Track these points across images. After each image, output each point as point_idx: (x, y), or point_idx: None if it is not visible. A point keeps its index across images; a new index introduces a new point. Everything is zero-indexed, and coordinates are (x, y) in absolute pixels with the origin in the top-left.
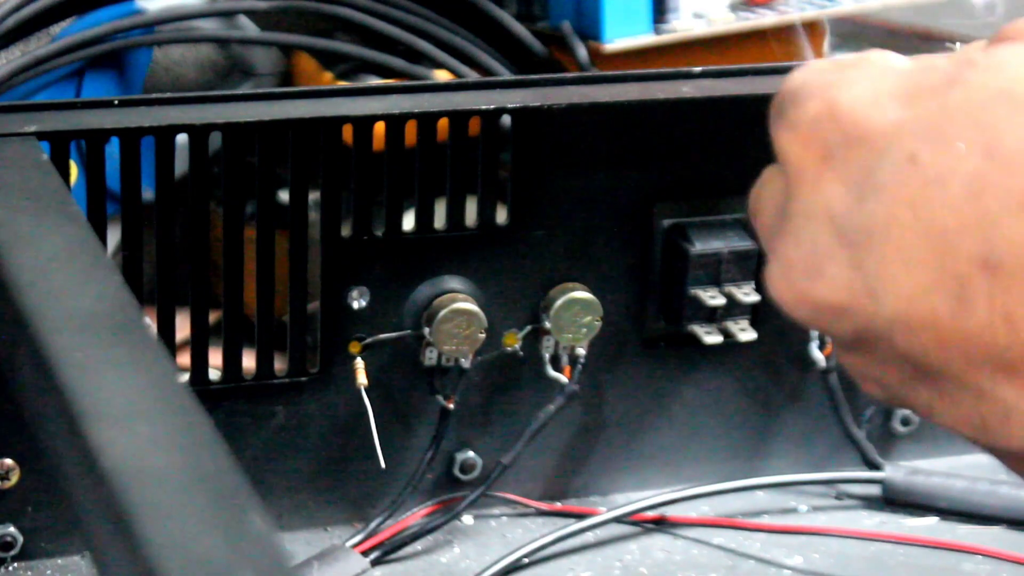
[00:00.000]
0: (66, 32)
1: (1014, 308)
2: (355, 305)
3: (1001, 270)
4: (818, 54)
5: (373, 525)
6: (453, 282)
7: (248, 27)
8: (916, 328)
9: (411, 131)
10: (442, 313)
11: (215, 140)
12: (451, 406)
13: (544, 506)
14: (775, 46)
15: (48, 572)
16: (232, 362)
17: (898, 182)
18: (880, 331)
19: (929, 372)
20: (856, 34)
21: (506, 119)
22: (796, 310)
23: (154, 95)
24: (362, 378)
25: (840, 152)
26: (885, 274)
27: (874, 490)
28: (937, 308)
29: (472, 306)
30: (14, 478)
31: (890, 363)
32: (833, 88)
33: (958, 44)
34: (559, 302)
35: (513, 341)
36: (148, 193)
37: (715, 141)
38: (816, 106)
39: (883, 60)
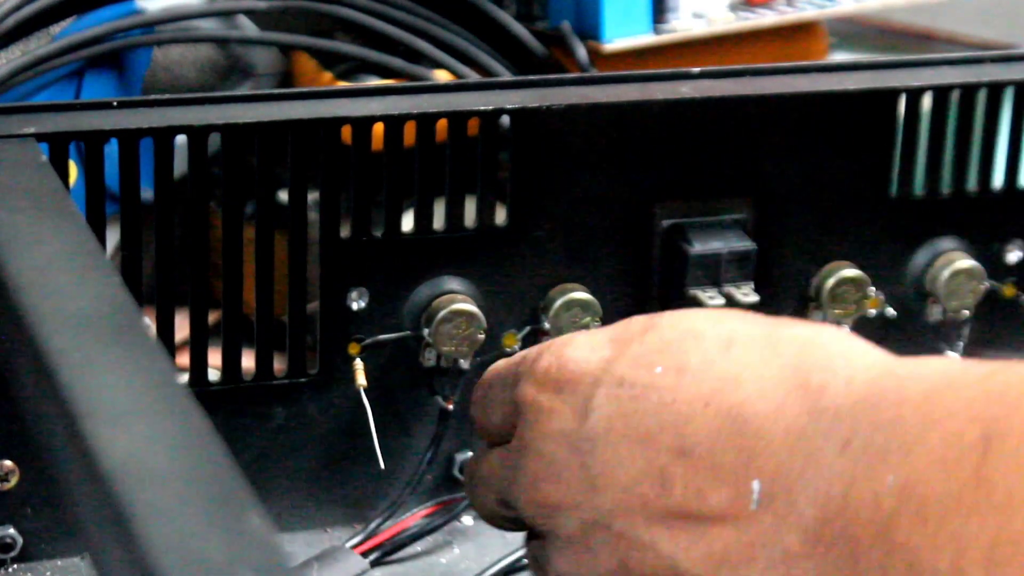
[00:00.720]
0: (66, 32)
1: (701, 484)
2: (355, 306)
3: (692, 455)
4: (818, 54)
5: (373, 526)
6: (452, 283)
7: (248, 27)
8: (629, 510)
9: (410, 131)
10: (441, 314)
11: (214, 141)
12: (451, 407)
13: None
14: (775, 46)
15: (48, 573)
16: (231, 363)
17: (611, 400)
18: (599, 518)
19: (635, 558)
20: (856, 34)
21: (505, 119)
22: (532, 512)
23: (153, 96)
24: (361, 379)
25: (568, 387)
26: (605, 472)
27: None
28: (646, 493)
29: (471, 307)
30: (14, 480)
31: (601, 555)
32: (559, 346)
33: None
34: (558, 303)
35: (512, 342)
36: (148, 194)
37: (715, 141)
38: (548, 359)
39: (592, 331)
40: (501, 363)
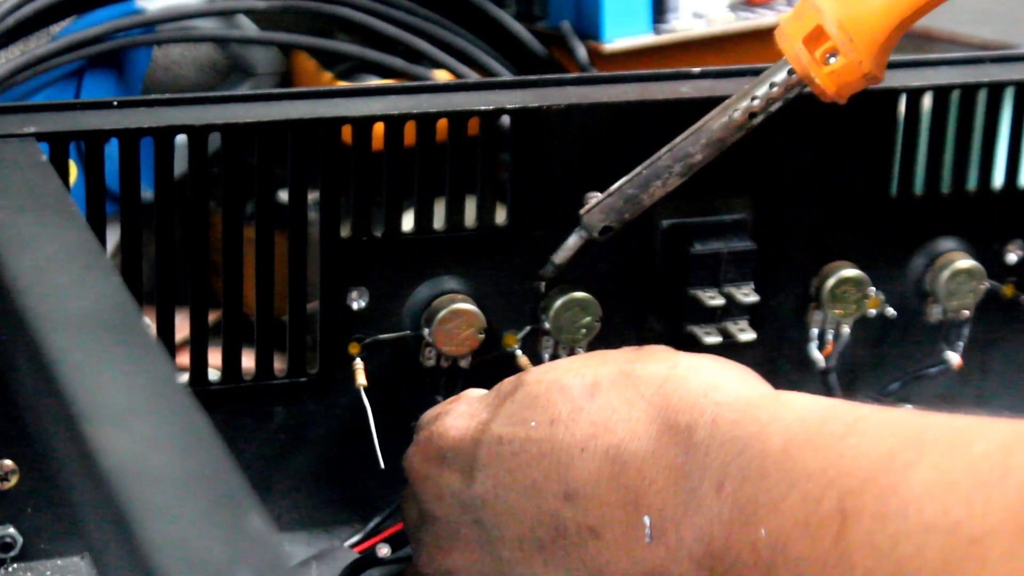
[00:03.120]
0: (66, 31)
1: (593, 522)
2: (355, 305)
3: (578, 496)
4: None
5: (372, 525)
6: (452, 282)
7: (248, 27)
8: (530, 560)
9: (410, 131)
10: (441, 313)
11: (214, 140)
12: None
13: None
14: (775, 46)
15: (48, 573)
16: (232, 362)
17: (493, 458)
18: (503, 571)
19: None
20: None
21: (505, 119)
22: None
23: (153, 96)
24: (362, 378)
25: (450, 454)
26: (500, 524)
27: None
28: (542, 539)
29: (471, 306)
30: (14, 479)
31: None
32: (437, 418)
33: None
34: (558, 303)
35: (512, 342)
36: (148, 193)
37: None
38: (427, 432)
39: (471, 394)
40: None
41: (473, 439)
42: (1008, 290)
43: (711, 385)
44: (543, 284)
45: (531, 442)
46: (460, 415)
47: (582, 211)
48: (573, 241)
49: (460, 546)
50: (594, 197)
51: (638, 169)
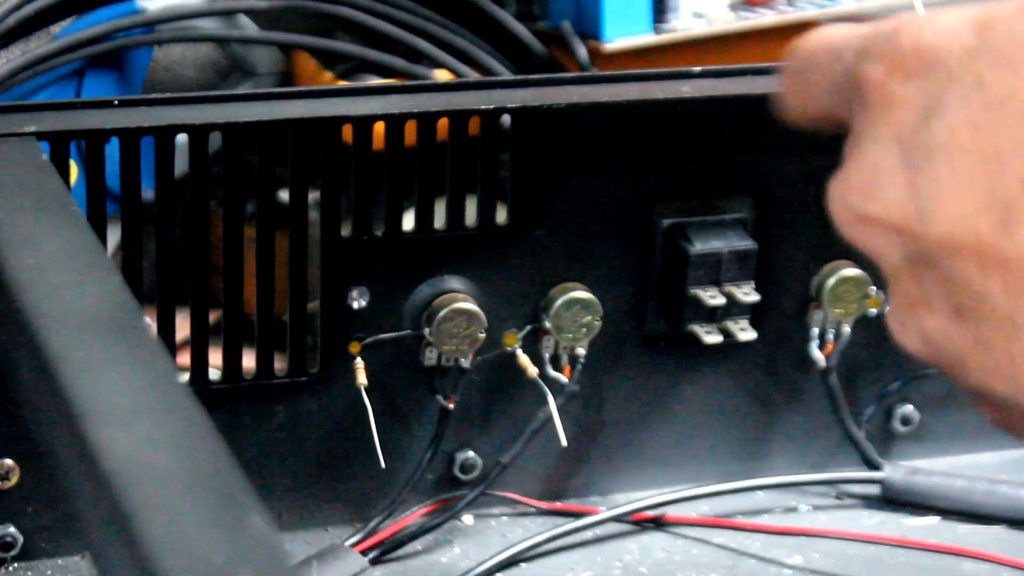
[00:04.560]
0: (66, 31)
1: None
2: (355, 305)
3: None
4: None
5: (372, 524)
6: (453, 282)
7: (248, 27)
8: (960, 249)
9: (411, 131)
10: (442, 313)
11: (215, 140)
12: (451, 406)
13: (544, 505)
14: (775, 46)
15: (48, 572)
16: (232, 362)
17: (963, 104)
18: (927, 254)
19: (968, 307)
20: None
21: (506, 119)
22: (848, 227)
23: (154, 95)
24: (362, 378)
25: (917, 79)
26: (937, 195)
27: (874, 490)
28: (982, 230)
29: (472, 306)
30: (14, 478)
31: (933, 299)
32: (920, 22)
33: None
34: (559, 302)
35: (513, 341)
36: (148, 193)
37: (715, 141)
38: (904, 39)
39: (957, 8)
40: (834, 31)
41: (950, 69)
42: None
43: None
44: None
45: (1015, 98)
46: (944, 27)
47: None
48: None
49: (882, 206)
50: None
51: None
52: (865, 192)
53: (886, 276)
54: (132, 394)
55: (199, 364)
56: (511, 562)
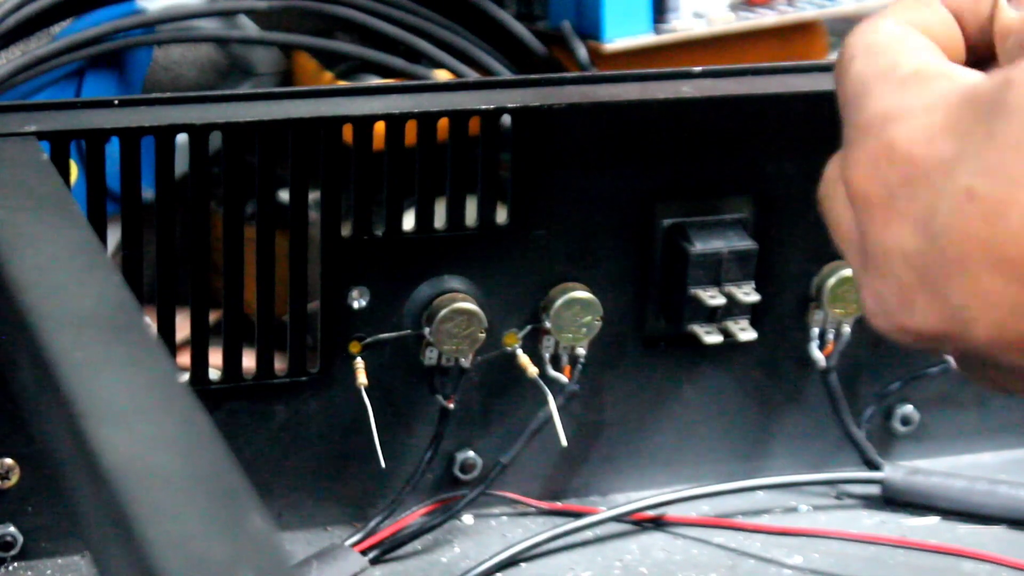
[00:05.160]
0: (66, 32)
1: None
2: (355, 305)
3: None
4: (818, 54)
5: (372, 524)
6: (453, 282)
7: (248, 27)
8: (1012, 348)
9: (411, 131)
10: (442, 313)
11: (215, 140)
12: (451, 406)
13: (544, 505)
14: (775, 46)
15: (48, 572)
16: (232, 362)
17: (961, 218)
18: (981, 353)
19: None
20: None
21: (506, 119)
22: (898, 339)
23: (154, 95)
24: (362, 378)
25: (901, 191)
26: (970, 305)
27: (874, 490)
28: (1022, 329)
29: (472, 306)
30: (14, 478)
31: (1004, 372)
32: (890, 125)
33: None
34: (559, 302)
35: (513, 340)
36: (148, 193)
37: (715, 141)
38: (874, 146)
39: (937, 79)
40: (852, 67)
41: (934, 181)
42: None
43: None
44: None
45: (1013, 206)
46: (917, 133)
47: None
48: None
49: (919, 321)
50: None
51: None
52: (900, 307)
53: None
54: (132, 394)
55: (199, 364)
56: (511, 562)
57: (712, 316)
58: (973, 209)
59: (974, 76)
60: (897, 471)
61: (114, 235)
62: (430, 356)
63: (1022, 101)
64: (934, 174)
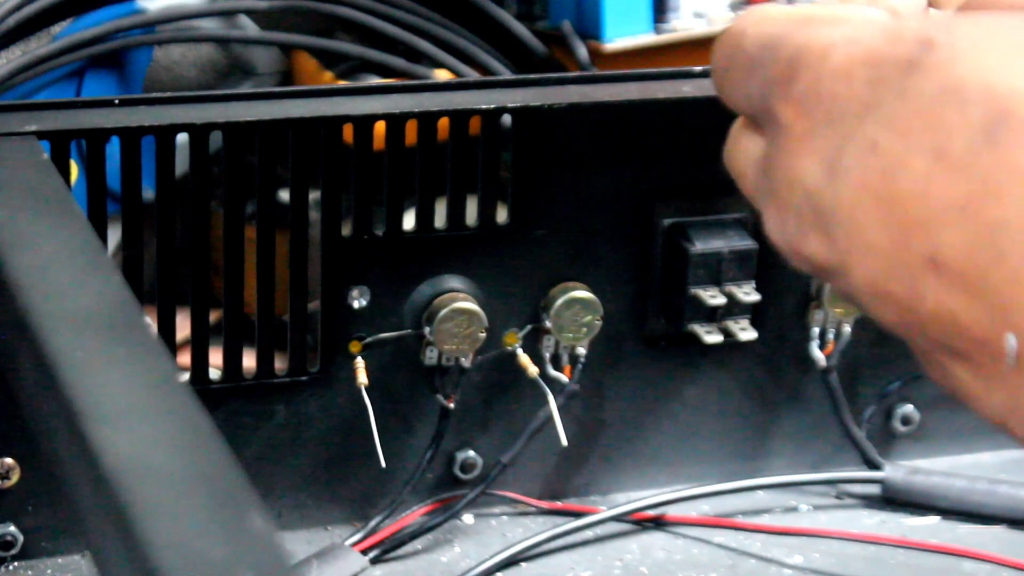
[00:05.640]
0: (66, 32)
1: (957, 307)
2: (355, 304)
3: (945, 270)
4: None
5: (373, 524)
6: (453, 281)
7: (248, 27)
8: (883, 303)
9: (411, 130)
10: (442, 312)
11: (215, 139)
12: (451, 405)
13: (544, 505)
14: None
15: (48, 571)
16: (232, 362)
17: (861, 166)
18: (857, 300)
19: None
20: None
21: (507, 118)
22: (792, 261)
23: (154, 94)
24: (362, 377)
25: (820, 129)
26: (852, 251)
27: (874, 490)
28: (895, 292)
29: (472, 305)
30: (14, 477)
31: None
32: (817, 61)
33: None
34: (559, 301)
35: (514, 340)
36: (148, 193)
37: (715, 141)
38: (806, 82)
39: (857, 18)
40: (750, 32)
41: (847, 124)
42: None
43: None
44: None
45: (907, 170)
46: (839, 73)
47: None
48: None
49: (809, 250)
50: None
51: None
52: (796, 232)
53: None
54: (132, 393)
55: (199, 364)
56: (511, 562)
57: (712, 316)
58: (873, 161)
59: (898, 20)
60: (897, 471)
61: (114, 235)
62: (430, 356)
63: (937, 65)
64: (848, 117)
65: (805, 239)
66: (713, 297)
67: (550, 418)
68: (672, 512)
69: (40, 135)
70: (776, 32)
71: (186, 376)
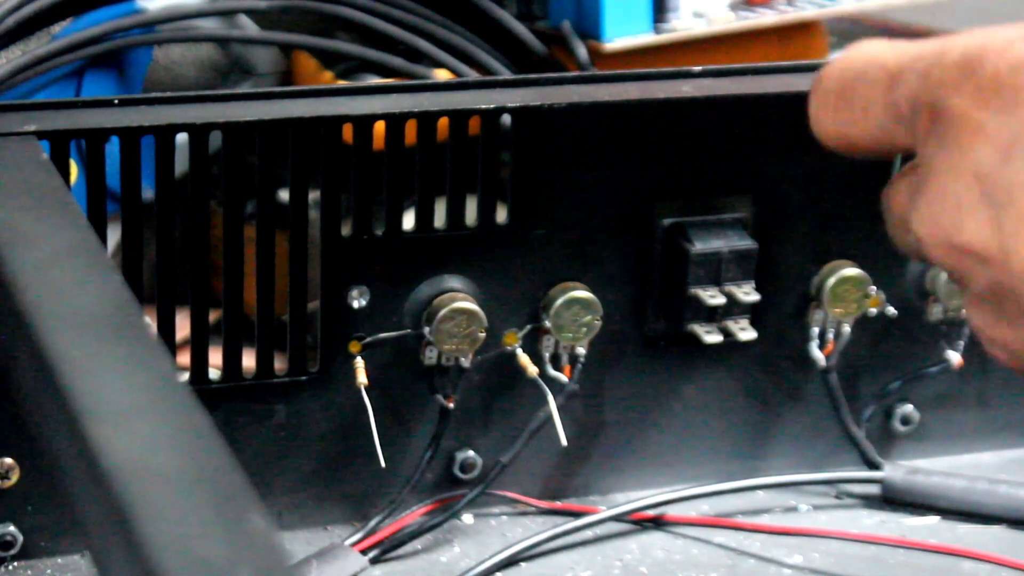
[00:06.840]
0: (66, 31)
1: None
2: (355, 304)
3: None
4: (818, 54)
5: (372, 524)
6: (453, 281)
7: (248, 26)
8: None
9: (411, 130)
10: (442, 312)
11: (215, 139)
12: (451, 405)
13: (544, 505)
14: (775, 46)
15: (48, 571)
16: (232, 361)
17: None
18: (1011, 286)
19: None
20: (856, 34)
21: (506, 118)
22: (935, 249)
23: (154, 94)
24: (362, 377)
25: (997, 117)
26: (1019, 234)
27: (874, 489)
28: None
29: (472, 305)
30: (14, 477)
31: (1014, 318)
32: (1002, 49)
33: None
34: (559, 301)
35: (513, 340)
36: (148, 193)
37: (716, 140)
38: (989, 70)
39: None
40: (877, 50)
41: None
42: None
43: None
44: None
45: None
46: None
47: None
48: None
49: (967, 236)
50: None
51: None
52: (951, 223)
53: (968, 293)
54: (132, 393)
55: (199, 364)
56: (511, 561)
57: (712, 316)
58: None
59: None
60: (897, 471)
61: (114, 235)
62: (430, 356)
63: None
64: None
65: (963, 225)
66: (713, 297)
67: (550, 418)
68: (672, 512)
69: (40, 135)
70: (915, 52)
71: (186, 376)
